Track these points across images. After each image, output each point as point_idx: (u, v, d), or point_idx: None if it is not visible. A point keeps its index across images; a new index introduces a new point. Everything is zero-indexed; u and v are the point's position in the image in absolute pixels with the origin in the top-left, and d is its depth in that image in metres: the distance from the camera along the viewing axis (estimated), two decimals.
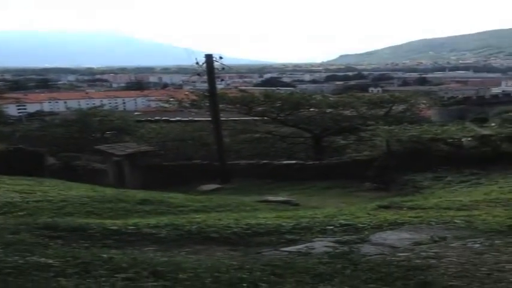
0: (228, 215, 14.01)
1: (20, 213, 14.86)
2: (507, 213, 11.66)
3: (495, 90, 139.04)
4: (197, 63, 34.85)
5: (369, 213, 12.63)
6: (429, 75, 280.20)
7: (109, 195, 19.19)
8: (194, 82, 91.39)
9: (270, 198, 22.88)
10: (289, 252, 7.75)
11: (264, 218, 12.04)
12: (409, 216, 11.41)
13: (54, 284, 5.44)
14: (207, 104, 37.90)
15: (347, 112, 42.37)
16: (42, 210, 15.50)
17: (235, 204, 18.96)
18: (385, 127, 31.60)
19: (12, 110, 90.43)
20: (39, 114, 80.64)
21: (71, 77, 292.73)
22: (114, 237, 9.25)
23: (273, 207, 19.18)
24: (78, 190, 21.43)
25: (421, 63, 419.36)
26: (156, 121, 50.00)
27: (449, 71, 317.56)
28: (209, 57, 34.66)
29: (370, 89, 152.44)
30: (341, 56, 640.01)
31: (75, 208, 16.16)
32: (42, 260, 6.57)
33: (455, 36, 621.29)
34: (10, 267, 6.19)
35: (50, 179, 27.29)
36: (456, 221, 10.33)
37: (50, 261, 6.44)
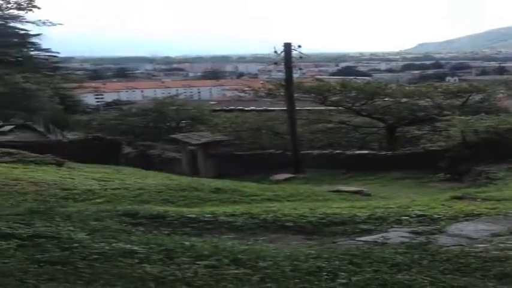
0: (301, 204, 14.14)
1: (98, 200, 15.37)
2: None
3: None
4: (275, 51, 35.09)
5: (443, 204, 12.49)
6: (509, 64, 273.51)
7: (184, 183, 19.52)
8: (270, 71, 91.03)
9: (342, 188, 22.84)
10: (365, 242, 7.81)
11: (337, 207, 12.06)
12: (485, 208, 11.27)
13: (139, 270, 5.67)
14: (282, 94, 38.01)
15: (423, 102, 41.88)
16: (120, 198, 15.98)
17: (307, 194, 18.98)
18: (461, 117, 31.18)
19: (90, 99, 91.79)
20: (116, 103, 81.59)
21: (149, 66, 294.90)
22: (192, 224, 9.46)
23: (345, 197, 19.14)
24: (154, 178, 21.99)
25: (501, 51, 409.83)
26: (231, 110, 50.23)
27: None
28: (288, 46, 34.80)
29: (447, 78, 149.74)
30: (419, 45, 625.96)
31: (152, 196, 16.56)
32: (128, 246, 6.79)
33: None
34: (97, 253, 6.45)
35: (127, 167, 27.96)
36: None
37: (135, 247, 6.67)
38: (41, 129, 43.50)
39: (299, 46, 34.90)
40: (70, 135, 41.17)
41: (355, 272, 5.65)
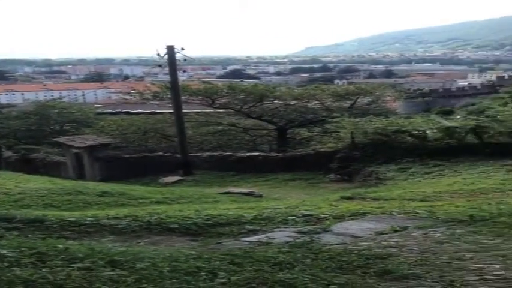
0: (190, 206, 14.21)
1: None
2: (469, 204, 11.89)
3: (461, 82, 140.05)
4: (158, 54, 34.85)
5: (331, 204, 12.77)
6: (395, 67, 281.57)
7: (68, 187, 19.19)
8: (156, 74, 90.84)
9: (233, 190, 23.01)
10: (250, 242, 7.84)
11: (225, 209, 12.19)
12: (372, 207, 11.62)
13: (8, 274, 5.44)
14: (169, 96, 37.83)
15: (312, 104, 42.53)
16: None
17: (197, 196, 19.13)
18: (350, 119, 31.79)
19: None
20: None
21: (28, 69, 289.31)
22: (72, 228, 9.32)
23: (235, 199, 19.36)
24: (36, 182, 21.39)
25: (388, 55, 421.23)
26: (117, 113, 49.76)
27: (416, 63, 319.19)
28: (171, 49, 34.56)
29: (336, 81, 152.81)
30: (307, 48, 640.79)
31: (33, 200, 16.25)
32: None
33: (422, 29, 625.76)
34: None
35: (7, 172, 27.20)
36: (418, 211, 10.48)
37: (4, 251, 6.40)
38: None
39: (182, 49, 34.66)
40: None
41: (236, 271, 5.62)
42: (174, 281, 5.34)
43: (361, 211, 10.77)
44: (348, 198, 14.90)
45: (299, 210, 11.03)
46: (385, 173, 24.68)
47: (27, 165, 35.05)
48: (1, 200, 16.08)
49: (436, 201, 13.13)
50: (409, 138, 29.50)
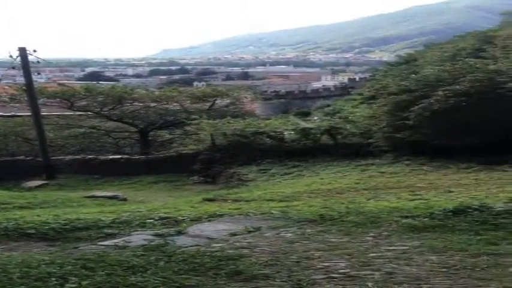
0: (51, 211, 14.09)
1: None
2: (322, 203, 12.25)
3: (316, 84, 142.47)
4: (11, 56, 34.13)
5: (192, 206, 12.95)
6: (251, 69, 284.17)
7: None
8: (14, 76, 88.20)
9: (97, 193, 22.79)
10: (106, 246, 7.74)
11: (86, 213, 12.14)
12: (229, 208, 11.77)
13: None
14: (27, 99, 37.01)
15: (171, 106, 42.55)
16: None
17: (61, 200, 18.86)
18: (209, 121, 31.96)
19: None
20: None
21: None
22: None
23: (100, 203, 19.11)
24: None
25: (243, 57, 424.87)
26: None
27: (270, 65, 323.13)
28: (23, 51, 33.87)
29: (195, 83, 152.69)
30: (164, 51, 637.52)
31: None
32: None
33: (273, 32, 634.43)
34: None
35: None
36: (273, 211, 10.62)
37: None
38: None
39: (34, 51, 34.02)
40: None
41: (87, 276, 5.55)
42: (23, 287, 5.26)
43: (218, 213, 10.86)
44: (210, 200, 15.12)
45: (158, 213, 11.00)
46: (246, 174, 25.09)
47: None
48: None
49: (293, 201, 13.47)
50: (268, 139, 30.04)
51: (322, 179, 20.79)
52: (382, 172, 20.95)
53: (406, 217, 8.92)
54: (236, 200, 14.56)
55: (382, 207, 10.42)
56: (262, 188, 20.31)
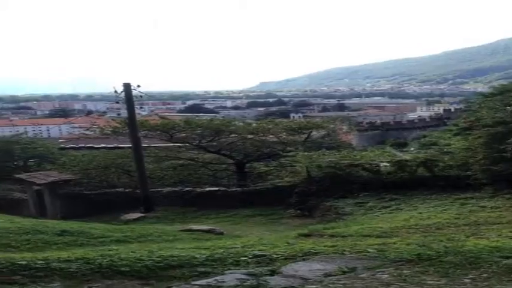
0: (147, 245, 13.71)
1: None
2: (421, 240, 11.65)
3: (411, 115, 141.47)
4: (116, 91, 34.47)
5: (288, 243, 12.32)
6: (347, 101, 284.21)
7: (27, 226, 18.48)
8: (119, 109, 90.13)
9: (194, 227, 22.35)
10: (200, 286, 7.40)
11: (181, 249, 11.69)
12: (325, 246, 11.15)
13: None
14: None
15: (268, 138, 42.12)
16: None
17: (157, 234, 18.58)
18: (304, 153, 31.34)
19: None
20: None
21: None
22: (22, 272, 8.71)
23: (196, 237, 18.81)
24: None
25: (339, 89, 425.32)
26: (80, 148, 48.90)
27: (366, 97, 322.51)
28: (127, 86, 34.21)
29: (292, 114, 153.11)
30: (261, 84, 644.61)
31: None
32: None
33: (368, 64, 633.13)
34: None
35: None
36: (369, 250, 10.07)
37: None
38: None
39: (138, 86, 34.46)
40: None
41: None
42: None
43: (313, 250, 10.23)
44: (306, 235, 14.49)
45: (252, 250, 10.47)
46: (343, 208, 24.27)
47: None
48: None
49: (391, 238, 12.86)
50: (363, 171, 29.14)
51: (420, 213, 19.93)
52: (482, 206, 20.04)
53: (507, 257, 8.34)
54: (332, 236, 13.88)
55: (482, 247, 9.75)
56: (359, 222, 19.53)
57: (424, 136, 58.54)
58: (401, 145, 51.24)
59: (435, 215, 18.89)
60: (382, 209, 22.98)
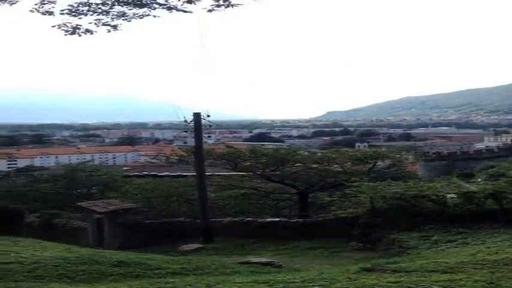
0: (203, 278, 13.23)
1: None
2: (489, 277, 10.94)
3: (478, 145, 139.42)
4: (185, 121, 34.38)
5: (349, 278, 11.67)
6: (413, 130, 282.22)
7: (84, 256, 18.02)
8: (185, 137, 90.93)
9: (253, 259, 21.68)
10: None
11: (239, 283, 11.31)
12: (388, 282, 10.63)
13: None
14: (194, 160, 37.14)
15: (332, 168, 41.43)
16: (12, 273, 14.41)
17: (215, 267, 17.89)
18: (369, 183, 30.56)
19: (2, 165, 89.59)
20: (28, 169, 79.72)
21: (66, 133, 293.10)
22: None
23: (254, 270, 18.09)
24: (53, 251, 20.26)
25: (405, 119, 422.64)
26: (144, 176, 49.06)
27: (432, 127, 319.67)
28: (197, 116, 34.20)
29: (357, 144, 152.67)
30: (328, 113, 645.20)
31: (47, 271, 15.03)
32: None
33: (436, 95, 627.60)
34: None
35: (26, 239, 26.15)
36: (434, 287, 9.68)
37: None
38: None
39: (208, 116, 34.43)
40: None
41: None
42: None
43: (376, 286, 9.92)
44: (368, 269, 13.72)
45: (313, 286, 10.18)
46: (407, 241, 23.33)
47: (49, 231, 34.04)
48: (15, 270, 14.79)
49: (458, 273, 11.89)
50: (429, 203, 28.17)
51: (488, 247, 18.85)
52: None
53: None
54: (396, 271, 13.03)
55: None
56: (424, 256, 18.58)
57: (492, 167, 57.11)
58: (468, 176, 50.05)
59: (503, 249, 17.85)
60: (448, 242, 21.98)
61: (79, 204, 37.15)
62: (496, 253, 16.70)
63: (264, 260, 21.69)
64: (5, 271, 14.61)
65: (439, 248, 21.11)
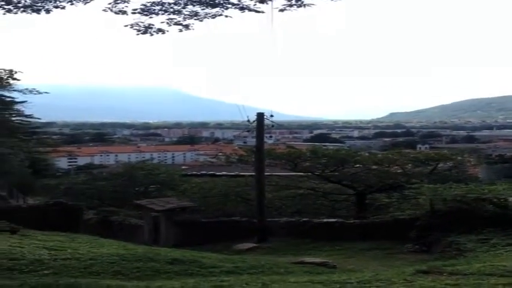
0: (258, 277, 13.25)
1: (45, 272, 14.30)
2: None
3: None
4: (248, 120, 34.66)
5: (405, 279, 11.72)
6: (477, 133, 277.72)
7: (139, 253, 18.44)
8: (245, 137, 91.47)
9: (307, 259, 21.68)
10: None
11: (293, 282, 11.44)
12: (446, 284, 10.74)
13: None
14: (253, 160, 37.19)
15: (392, 169, 41.06)
16: (69, 269, 14.87)
17: (269, 266, 17.97)
18: (429, 185, 30.17)
19: (63, 162, 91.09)
20: (88, 166, 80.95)
21: (126, 132, 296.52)
22: None
23: (308, 270, 18.11)
24: (109, 247, 20.76)
25: (469, 121, 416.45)
26: (202, 175, 49.37)
27: (497, 129, 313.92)
28: (260, 116, 34.42)
29: (418, 146, 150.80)
30: (391, 114, 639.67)
31: (103, 267, 15.46)
32: None
33: (502, 97, 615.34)
34: None
35: (84, 235, 26.66)
36: None
37: None
38: (4, 193, 42.45)
39: (271, 116, 34.69)
40: (32, 200, 40.07)
41: None
42: None
43: None
44: (424, 272, 13.57)
45: (370, 286, 10.25)
46: (465, 244, 22.96)
47: (106, 228, 34.54)
48: (72, 266, 15.31)
49: None
50: (490, 206, 27.66)
51: None
52: None
53: None
54: (452, 274, 12.88)
55: None
56: (482, 260, 18.22)
57: None
58: None
59: None
60: (507, 246, 21.52)
61: (136, 202, 37.57)
62: None
63: (318, 260, 21.65)
64: (62, 267, 15.07)
65: (497, 252, 20.69)
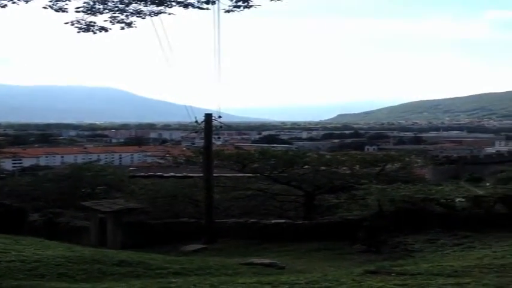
0: (206, 279, 13.31)
1: None
2: (497, 281, 11.06)
3: (489, 149, 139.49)
4: (196, 121, 34.33)
5: (354, 280, 11.86)
6: (424, 134, 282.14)
7: (86, 255, 18.15)
8: (193, 138, 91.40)
9: (255, 260, 21.59)
10: None
11: (242, 283, 11.59)
12: (394, 284, 10.88)
13: None
14: (202, 161, 37.07)
15: (341, 170, 41.38)
16: (13, 272, 14.59)
17: (217, 267, 17.93)
18: (377, 186, 30.47)
19: (7, 164, 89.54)
20: (33, 168, 79.94)
21: (72, 133, 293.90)
22: None
23: (257, 271, 18.15)
24: (55, 249, 20.31)
25: (416, 123, 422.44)
26: (149, 176, 49.01)
27: (444, 131, 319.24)
28: (208, 116, 34.18)
29: (366, 147, 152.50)
30: (339, 116, 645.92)
31: (48, 269, 15.20)
32: None
33: (449, 99, 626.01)
34: None
35: (28, 237, 26.23)
36: None
37: None
38: None
39: (219, 117, 34.41)
40: None
41: None
42: None
43: None
44: (373, 272, 13.71)
45: (319, 286, 10.35)
46: (413, 244, 23.39)
47: (52, 230, 33.97)
48: (16, 269, 15.00)
49: (464, 277, 11.99)
50: (437, 207, 28.11)
51: (494, 252, 18.78)
52: None
53: None
54: (401, 274, 13.05)
55: None
56: (429, 260, 18.54)
57: (502, 171, 56.89)
58: (477, 180, 49.85)
59: (511, 254, 17.81)
60: (454, 246, 22.03)
61: (83, 203, 37.08)
62: (503, 257, 16.68)
63: (266, 261, 21.61)
64: (6, 269, 14.78)
65: (445, 252, 21.13)
